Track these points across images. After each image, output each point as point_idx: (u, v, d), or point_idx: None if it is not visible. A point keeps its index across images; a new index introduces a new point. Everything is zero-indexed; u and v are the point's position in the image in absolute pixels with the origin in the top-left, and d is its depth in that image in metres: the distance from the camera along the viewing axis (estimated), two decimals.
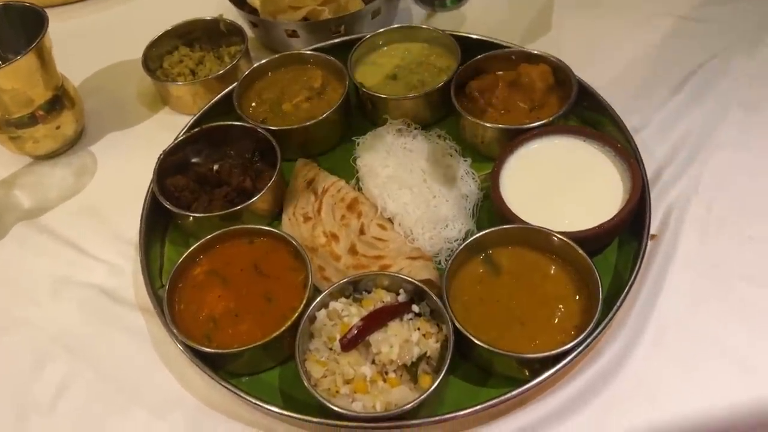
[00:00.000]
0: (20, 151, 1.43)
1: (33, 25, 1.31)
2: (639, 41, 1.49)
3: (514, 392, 0.96)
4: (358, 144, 1.32)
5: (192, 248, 1.14)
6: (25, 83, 1.31)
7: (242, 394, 1.00)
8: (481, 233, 1.09)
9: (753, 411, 0.97)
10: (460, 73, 1.34)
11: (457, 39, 1.39)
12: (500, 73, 1.35)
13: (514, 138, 1.22)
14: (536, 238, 1.08)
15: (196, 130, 1.33)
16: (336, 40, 1.47)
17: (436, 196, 1.19)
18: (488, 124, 1.26)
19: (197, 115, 1.39)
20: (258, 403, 0.99)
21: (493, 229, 1.10)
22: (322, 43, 1.47)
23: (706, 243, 1.13)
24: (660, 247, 1.14)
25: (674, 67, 1.41)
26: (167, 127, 1.42)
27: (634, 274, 1.05)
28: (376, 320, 1.01)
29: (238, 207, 1.19)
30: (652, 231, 1.15)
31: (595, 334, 0.98)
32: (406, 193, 1.18)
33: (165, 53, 1.56)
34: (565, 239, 1.05)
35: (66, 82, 1.44)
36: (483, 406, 0.95)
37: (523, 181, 1.18)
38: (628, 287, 1.03)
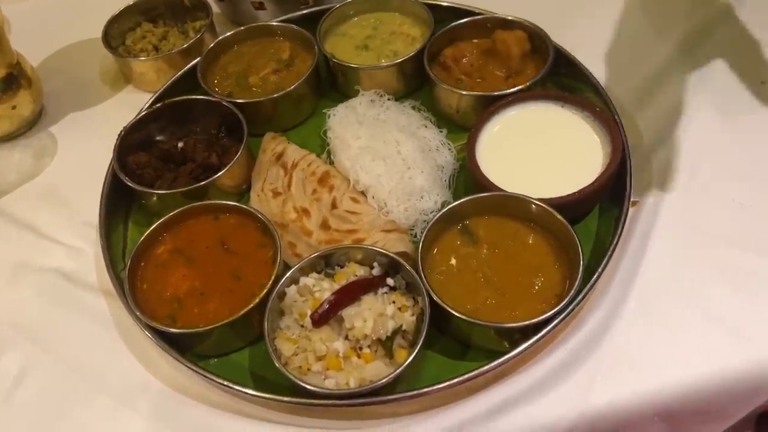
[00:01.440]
0: None
1: None
2: (619, 7, 1.45)
3: (494, 363, 0.92)
4: (328, 116, 1.26)
5: (154, 226, 1.08)
6: None
7: (209, 376, 0.96)
8: (456, 203, 1.05)
9: (740, 376, 0.94)
10: (434, 41, 1.29)
11: (429, 7, 1.35)
12: (475, 41, 1.31)
13: (490, 106, 1.17)
14: (514, 206, 1.04)
15: (158, 105, 1.27)
16: (304, 11, 1.42)
17: (411, 167, 1.14)
18: (463, 92, 1.21)
19: (160, 91, 1.34)
20: (226, 383, 0.95)
21: (468, 198, 1.05)
22: (290, 15, 1.42)
23: (689, 207, 1.10)
24: (641, 213, 1.10)
25: (655, 31, 1.37)
26: (130, 106, 1.36)
27: (615, 240, 1.01)
28: (349, 294, 0.97)
29: (203, 183, 1.14)
30: (633, 197, 1.12)
31: (576, 302, 0.94)
32: (379, 164, 1.14)
33: (127, 30, 1.50)
34: (543, 206, 1.01)
35: (22, 60, 1.38)
36: (461, 378, 0.91)
37: (500, 149, 1.14)
38: (609, 253, 1.00)
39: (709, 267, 1.03)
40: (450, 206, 1.05)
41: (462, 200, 1.05)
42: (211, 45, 1.36)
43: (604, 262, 0.99)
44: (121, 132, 1.22)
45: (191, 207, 1.10)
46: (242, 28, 1.39)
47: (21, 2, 1.68)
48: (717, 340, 0.96)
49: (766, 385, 0.95)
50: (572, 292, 0.93)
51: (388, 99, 1.27)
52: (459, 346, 1.00)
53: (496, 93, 1.19)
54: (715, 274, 1.02)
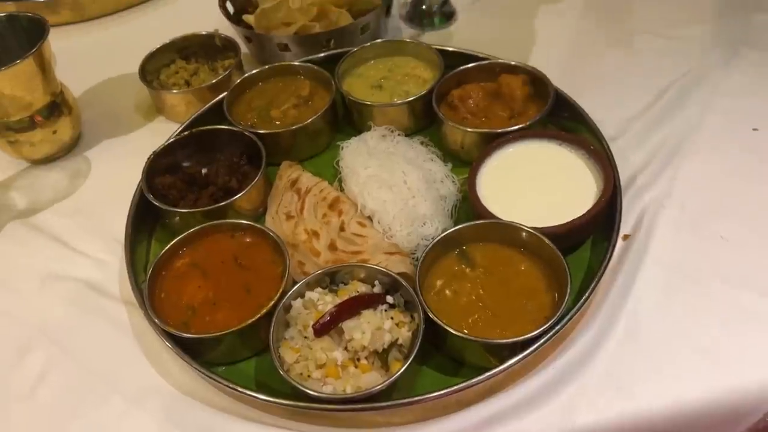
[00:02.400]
0: (18, 154, 1.47)
1: (36, 35, 1.37)
2: (618, 56, 1.55)
3: (483, 376, 0.97)
4: (341, 148, 1.36)
5: (175, 240, 1.17)
6: (24, 87, 1.36)
7: (217, 379, 1.02)
8: (454, 228, 1.12)
9: (722, 402, 0.98)
10: (443, 83, 1.39)
11: (441, 53, 1.45)
12: (481, 84, 1.40)
13: (492, 141, 1.25)
14: (509, 234, 1.11)
15: (186, 133, 1.37)
16: (325, 53, 1.53)
17: (415, 196, 1.22)
18: (468, 129, 1.30)
19: (189, 120, 1.44)
20: (232, 386, 1.01)
21: (466, 224, 1.13)
22: (312, 56, 1.53)
23: (679, 242, 1.15)
24: (633, 245, 1.16)
25: (651, 80, 1.45)
26: (161, 135, 1.46)
27: (603, 266, 1.07)
28: (350, 308, 1.03)
29: (222, 203, 1.22)
30: (626, 231, 1.18)
31: (563, 322, 1.00)
32: (385, 191, 1.21)
33: (162, 66, 1.62)
34: (536, 233, 1.08)
35: (65, 90, 1.50)
36: (452, 389, 0.96)
37: (499, 181, 1.21)
38: (598, 277, 1.05)
39: (696, 298, 1.08)
40: (448, 231, 1.12)
41: (460, 226, 1.12)
42: (238, 81, 1.47)
43: (592, 285, 1.04)
44: (150, 156, 1.32)
45: (210, 225, 1.19)
46: (267, 66, 1.50)
47: (67, 39, 1.83)
48: (701, 368, 1.00)
49: (746, 413, 0.99)
50: (559, 312, 0.99)
51: (398, 134, 1.36)
52: (453, 363, 1.06)
53: (498, 130, 1.27)
54: (701, 305, 1.07)
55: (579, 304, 1.03)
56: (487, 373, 0.97)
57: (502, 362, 0.99)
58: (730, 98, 1.38)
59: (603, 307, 1.08)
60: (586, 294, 1.04)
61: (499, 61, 1.41)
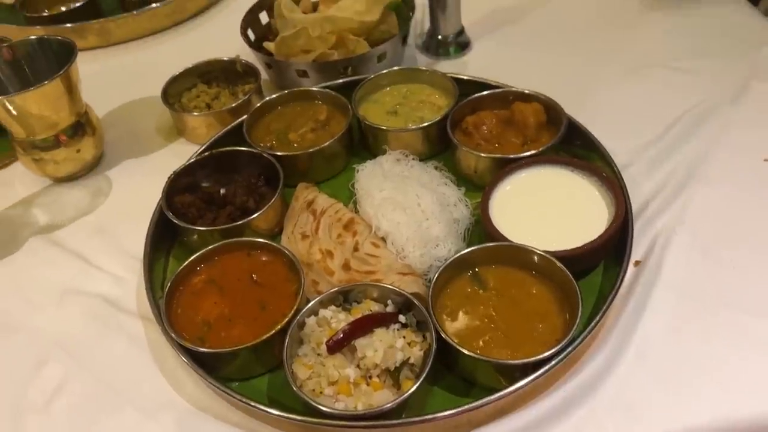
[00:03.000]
0: (42, 172, 1.52)
1: (64, 58, 1.43)
2: (630, 88, 1.57)
3: (494, 396, 0.97)
4: (357, 171, 1.38)
5: (193, 257, 1.19)
6: (51, 107, 1.41)
7: (229, 392, 1.03)
8: (467, 250, 1.14)
9: (733, 429, 0.98)
10: (457, 110, 1.42)
11: (456, 81, 1.48)
12: (495, 111, 1.42)
13: (505, 166, 1.28)
14: (521, 256, 1.12)
15: (206, 154, 1.41)
16: (342, 80, 1.57)
17: (429, 218, 1.24)
18: (482, 154, 1.32)
19: (209, 142, 1.48)
20: (244, 400, 1.02)
21: (479, 246, 1.14)
22: (330, 83, 1.57)
23: (690, 269, 1.16)
24: (644, 271, 1.17)
25: (662, 111, 1.48)
26: (181, 156, 1.49)
27: (615, 289, 1.08)
28: (363, 326, 1.05)
29: (239, 222, 1.25)
30: (638, 258, 1.20)
31: (575, 344, 1.01)
32: (399, 213, 1.24)
33: (184, 90, 1.67)
34: (548, 256, 1.09)
35: (90, 110, 1.54)
36: (463, 408, 0.97)
37: (512, 205, 1.23)
38: (609, 300, 1.07)
39: (707, 325, 1.09)
40: (461, 253, 1.13)
41: (473, 248, 1.14)
42: (258, 104, 1.51)
43: (604, 308, 1.05)
44: (171, 175, 1.35)
45: (227, 242, 1.21)
46: (286, 91, 1.54)
47: (93, 63, 1.90)
48: (711, 394, 1.01)
49: None
50: (571, 334, 1.00)
51: (413, 158, 1.39)
52: (464, 384, 1.06)
53: (511, 156, 1.30)
54: (713, 331, 1.08)
55: (590, 327, 1.03)
56: (498, 394, 0.98)
57: (512, 383, 1.00)
58: (740, 130, 1.40)
59: (614, 331, 1.09)
60: (598, 317, 1.05)
61: (513, 89, 1.44)
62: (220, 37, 1.88)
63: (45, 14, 2.05)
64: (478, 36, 1.82)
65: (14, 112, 1.38)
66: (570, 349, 1.00)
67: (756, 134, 1.38)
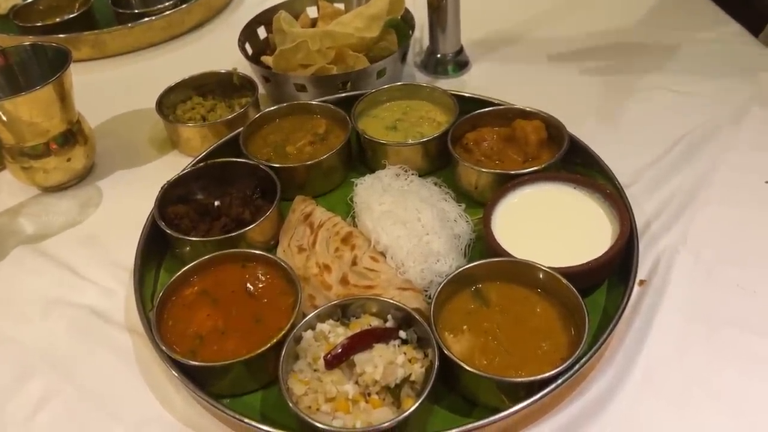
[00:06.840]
0: (30, 181, 1.48)
1: (58, 64, 1.40)
2: (633, 109, 1.57)
3: (497, 416, 0.94)
4: (356, 185, 1.36)
5: (185, 268, 1.15)
6: (42, 114, 1.38)
7: (221, 408, 0.99)
8: (469, 265, 1.11)
9: None
10: (458, 126, 1.40)
11: (456, 98, 1.47)
12: (496, 128, 1.41)
13: (507, 182, 1.26)
14: (525, 273, 1.10)
15: (200, 164, 1.38)
16: (341, 95, 1.55)
17: (429, 233, 1.21)
18: (483, 170, 1.30)
19: (204, 153, 1.44)
20: (236, 416, 0.98)
21: (481, 261, 1.12)
22: (328, 97, 1.55)
23: (694, 289, 1.14)
24: (649, 291, 1.15)
25: (663, 132, 1.47)
26: (174, 168, 1.45)
27: (620, 310, 1.06)
28: (362, 341, 1.01)
29: (234, 234, 1.22)
30: (642, 277, 1.17)
31: (580, 364, 0.97)
32: (399, 227, 1.21)
33: (179, 101, 1.64)
34: (552, 273, 1.07)
35: (83, 120, 1.51)
36: (465, 428, 0.93)
37: (514, 222, 1.21)
38: (615, 319, 1.04)
39: (712, 346, 1.06)
40: (463, 268, 1.10)
41: (475, 264, 1.11)
42: (256, 116, 1.48)
43: (610, 327, 1.03)
44: (164, 185, 1.32)
45: (221, 254, 1.18)
46: (284, 104, 1.52)
47: (87, 74, 1.87)
48: (717, 415, 0.98)
49: None
50: (577, 353, 0.97)
51: (412, 174, 1.37)
52: (466, 403, 1.03)
53: (513, 172, 1.28)
54: (720, 353, 1.05)
55: (596, 347, 1.00)
56: (502, 414, 0.94)
57: (516, 403, 0.96)
58: (740, 152, 1.40)
59: (619, 350, 1.07)
60: (604, 336, 1.02)
61: (514, 106, 1.43)
62: (216, 52, 1.87)
63: (38, 24, 2.02)
64: (477, 55, 1.82)
65: (4, 118, 1.34)
66: (577, 367, 0.97)
67: (756, 157, 1.39)
